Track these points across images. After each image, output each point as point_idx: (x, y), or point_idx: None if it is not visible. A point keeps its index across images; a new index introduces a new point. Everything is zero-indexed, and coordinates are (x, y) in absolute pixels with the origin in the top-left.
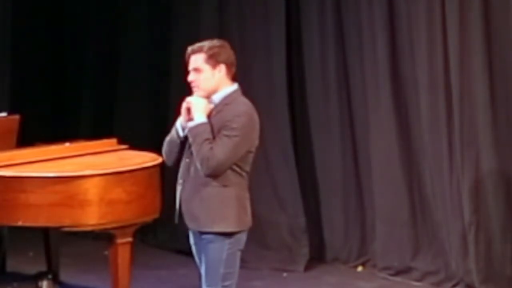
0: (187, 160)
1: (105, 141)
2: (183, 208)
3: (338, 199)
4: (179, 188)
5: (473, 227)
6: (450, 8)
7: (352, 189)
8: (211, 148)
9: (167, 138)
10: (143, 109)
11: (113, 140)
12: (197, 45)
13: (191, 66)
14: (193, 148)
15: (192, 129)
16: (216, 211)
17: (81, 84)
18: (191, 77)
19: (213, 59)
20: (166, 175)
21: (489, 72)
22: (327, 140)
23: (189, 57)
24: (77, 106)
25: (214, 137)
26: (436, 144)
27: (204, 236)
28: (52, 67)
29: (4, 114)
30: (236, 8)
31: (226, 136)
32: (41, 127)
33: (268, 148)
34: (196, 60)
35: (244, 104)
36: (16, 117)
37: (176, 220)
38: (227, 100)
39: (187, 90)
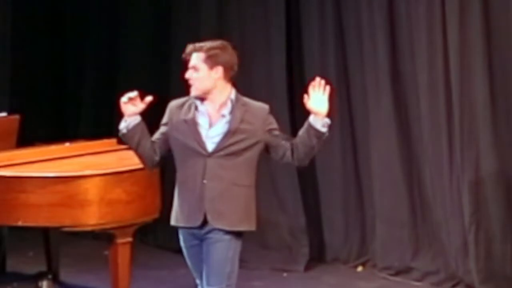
0: (204, 160)
1: (105, 141)
2: (207, 207)
3: (338, 199)
4: (199, 188)
5: (473, 227)
6: (450, 8)
7: (352, 189)
8: None
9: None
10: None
11: (113, 140)
12: (198, 44)
13: (190, 64)
14: (319, 142)
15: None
16: (243, 210)
17: (81, 84)
18: (187, 75)
19: (212, 60)
20: (166, 175)
21: (489, 72)
22: (327, 140)
23: (190, 55)
24: (77, 106)
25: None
26: (436, 144)
27: (210, 235)
28: (52, 67)
29: (4, 114)
30: (236, 8)
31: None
32: (41, 127)
33: None
34: (195, 59)
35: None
36: (16, 117)
37: (198, 222)
38: (242, 102)
39: (187, 90)
